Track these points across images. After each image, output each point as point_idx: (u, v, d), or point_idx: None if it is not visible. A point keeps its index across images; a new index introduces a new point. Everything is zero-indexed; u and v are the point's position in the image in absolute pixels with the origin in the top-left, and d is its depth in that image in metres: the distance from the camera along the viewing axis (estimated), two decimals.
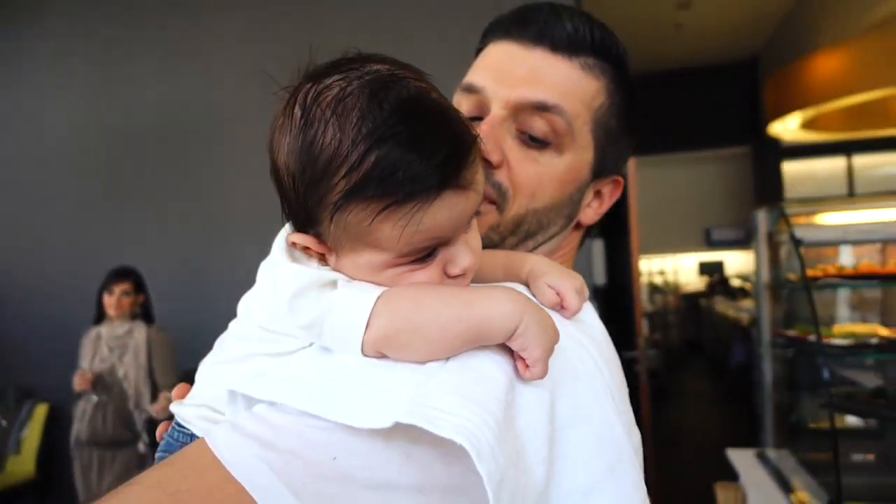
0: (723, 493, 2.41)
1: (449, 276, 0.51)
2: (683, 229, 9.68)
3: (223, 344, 0.59)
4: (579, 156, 0.68)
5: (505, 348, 0.48)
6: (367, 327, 0.46)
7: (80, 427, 2.95)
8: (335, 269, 0.51)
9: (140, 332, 3.03)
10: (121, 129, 3.95)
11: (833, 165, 8.27)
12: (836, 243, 2.21)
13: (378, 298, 0.47)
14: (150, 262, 3.43)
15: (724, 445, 2.74)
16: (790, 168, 8.18)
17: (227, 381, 0.51)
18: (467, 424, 0.41)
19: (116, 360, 2.98)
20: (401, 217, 0.45)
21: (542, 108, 0.65)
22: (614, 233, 4.10)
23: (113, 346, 3.01)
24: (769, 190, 8.00)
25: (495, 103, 0.66)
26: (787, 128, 6.49)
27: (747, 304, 6.81)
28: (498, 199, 0.66)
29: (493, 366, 0.47)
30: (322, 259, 0.52)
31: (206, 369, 0.59)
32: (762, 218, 2.39)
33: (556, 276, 0.57)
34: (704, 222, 9.56)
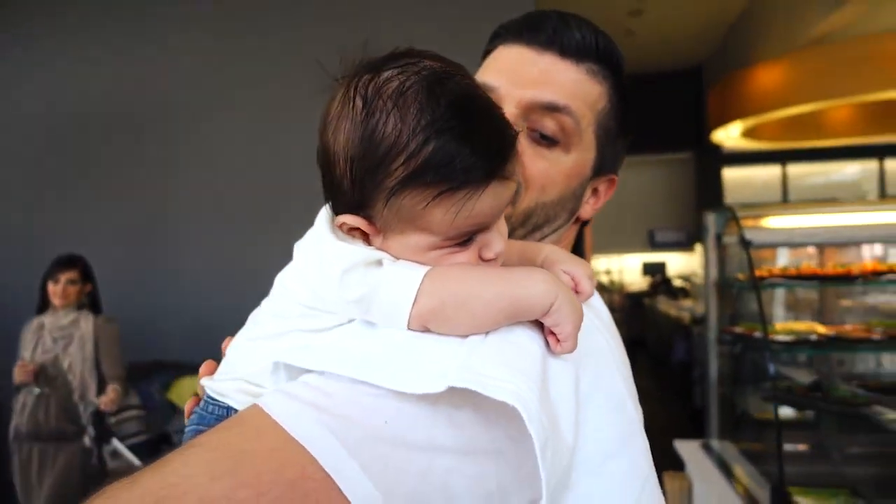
0: (670, 483, 2.52)
1: (483, 260, 0.54)
2: (629, 231, 9.96)
3: (256, 320, 0.61)
4: (583, 154, 0.73)
5: (536, 325, 0.52)
6: (414, 302, 0.49)
7: (19, 421, 2.83)
8: (381, 249, 0.54)
9: (87, 321, 2.93)
10: (67, 116, 3.80)
11: (769, 173, 8.69)
12: (782, 245, 2.34)
13: (425, 276, 0.50)
14: (97, 252, 3.31)
15: (668, 438, 2.85)
16: (730, 174, 8.56)
17: (270, 354, 0.53)
18: (516, 389, 0.45)
19: (60, 351, 2.87)
20: (453, 203, 0.49)
21: (552, 108, 0.70)
22: None
23: (57, 337, 2.89)
24: (710, 195, 8.34)
25: (508, 103, 0.70)
26: (728, 135, 6.78)
27: (688, 303, 7.08)
28: None
29: (528, 340, 0.51)
30: (365, 239, 0.55)
31: (240, 345, 0.61)
32: (711, 220, 2.50)
33: (571, 264, 0.62)
34: (649, 224, 9.88)
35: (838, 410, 2.04)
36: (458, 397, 0.45)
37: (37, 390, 2.81)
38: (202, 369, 0.65)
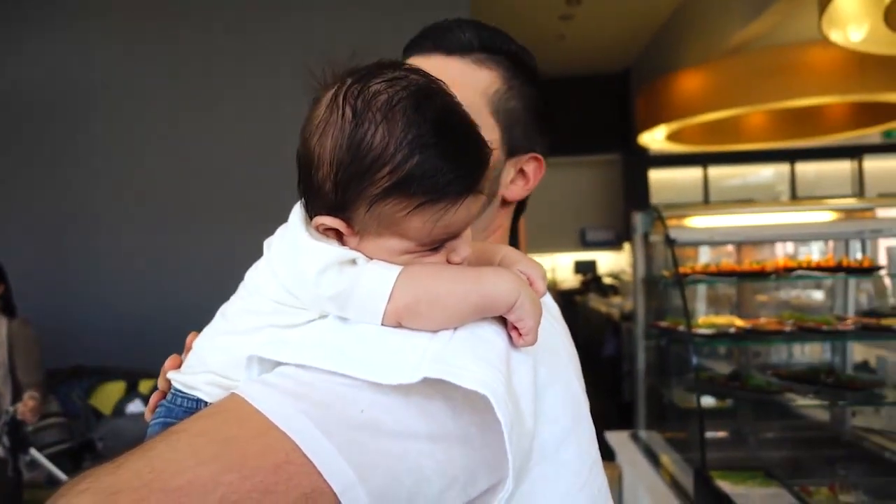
0: None
1: (450, 263, 0.59)
2: (561, 230, 10.20)
3: (226, 316, 0.63)
4: (486, 137, 0.75)
5: (500, 321, 0.56)
6: (390, 298, 0.52)
7: None
8: (355, 249, 0.57)
9: (1, 323, 2.76)
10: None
11: (692, 175, 9.10)
12: (704, 244, 2.47)
13: (400, 274, 0.53)
14: (9, 251, 3.13)
15: (598, 429, 2.95)
16: (655, 175, 8.92)
17: (240, 349, 0.56)
18: (485, 378, 0.49)
19: None
20: (432, 213, 0.54)
21: None
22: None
23: None
24: (637, 195, 8.66)
25: None
26: (654, 138, 7.06)
27: (617, 300, 7.32)
28: None
29: (494, 334, 0.55)
30: (339, 239, 0.58)
31: (210, 339, 0.64)
32: (639, 220, 2.61)
33: (526, 264, 0.66)
34: (580, 223, 10.14)
35: (754, 398, 2.17)
36: (429, 388, 0.49)
37: None
38: (167, 363, 0.67)
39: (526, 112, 0.79)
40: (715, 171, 9.10)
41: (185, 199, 3.59)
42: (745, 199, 8.76)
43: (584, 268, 9.89)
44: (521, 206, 0.87)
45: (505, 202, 0.81)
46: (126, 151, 3.61)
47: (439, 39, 0.78)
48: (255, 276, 0.62)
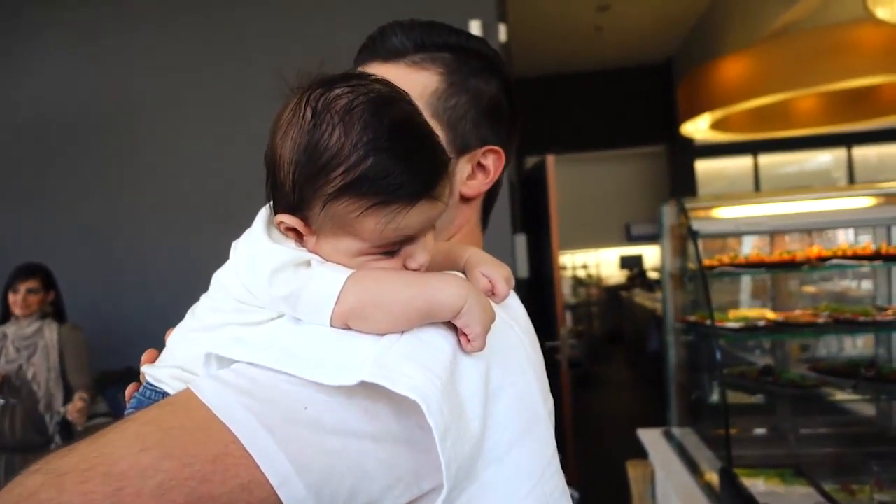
0: (633, 471, 2.56)
1: (407, 269, 0.60)
2: (605, 225, 10.05)
3: (195, 314, 0.66)
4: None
5: (450, 326, 0.57)
6: (337, 301, 0.54)
7: None
8: (313, 251, 0.59)
9: (51, 330, 2.92)
10: (27, 122, 3.76)
11: (741, 164, 8.81)
12: (729, 235, 2.40)
13: (348, 278, 0.55)
14: (62, 259, 3.30)
15: (638, 425, 2.90)
16: (702, 166, 8.66)
17: (204, 345, 0.58)
18: (419, 384, 0.50)
19: (25, 361, 2.86)
20: (384, 215, 0.55)
21: None
22: (537, 228, 4.24)
23: (21, 346, 2.88)
24: (683, 187, 8.43)
25: None
26: (697, 128, 6.86)
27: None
28: None
29: (440, 338, 0.56)
30: (300, 239, 0.60)
31: (179, 336, 0.67)
32: (668, 212, 2.55)
33: (489, 267, 0.67)
34: (625, 218, 9.96)
35: (786, 393, 2.09)
36: (374, 390, 0.50)
37: (1, 401, 2.79)
38: (144, 357, 0.70)
39: (473, 105, 0.78)
40: (766, 160, 8.78)
41: (224, 208, 3.70)
42: (799, 187, 8.40)
43: (630, 263, 9.71)
44: (490, 198, 0.86)
45: (465, 199, 0.80)
46: (170, 164, 3.75)
47: (373, 47, 0.79)
48: (221, 276, 0.65)
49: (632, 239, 9.83)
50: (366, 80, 0.58)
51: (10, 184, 3.75)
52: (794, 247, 2.51)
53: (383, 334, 0.54)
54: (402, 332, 0.55)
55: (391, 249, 0.58)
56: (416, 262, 0.60)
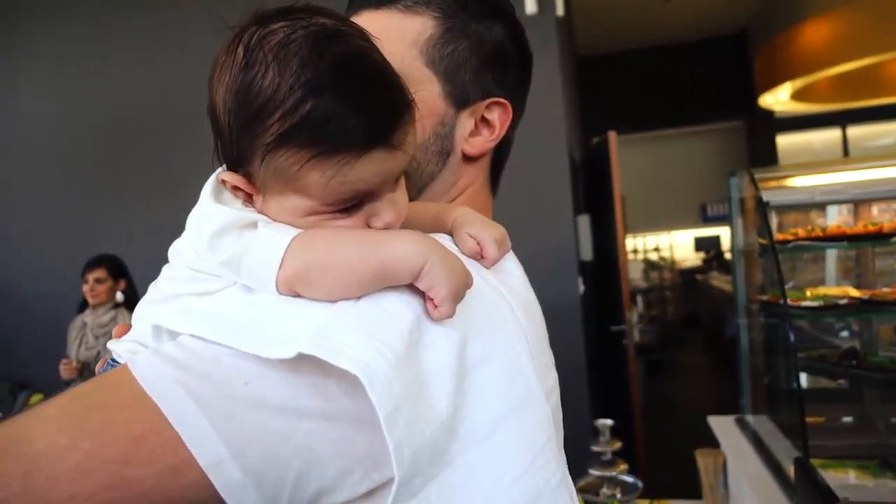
0: (702, 460, 2.42)
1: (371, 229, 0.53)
2: (679, 206, 9.67)
3: (155, 285, 0.63)
4: (421, 92, 0.67)
5: (417, 291, 0.50)
6: (280, 265, 0.48)
7: None
8: (260, 211, 0.53)
9: (125, 318, 3.05)
10: (102, 122, 3.95)
11: (828, 137, 8.23)
12: (805, 206, 2.21)
13: (293, 238, 0.49)
14: (133, 253, 3.44)
15: (713, 413, 2.75)
16: (784, 141, 8.14)
17: (153, 317, 0.54)
18: (363, 356, 0.44)
19: (102, 348, 3.00)
20: (329, 167, 0.48)
21: None
22: (601, 209, 4.10)
23: (99, 334, 3.03)
24: (764, 163, 7.96)
25: None
26: (777, 99, 6.46)
27: None
28: None
29: (402, 305, 0.49)
30: (249, 200, 0.54)
31: (140, 309, 0.63)
32: (737, 184, 2.38)
33: (478, 227, 0.60)
34: (700, 198, 9.54)
35: (873, 378, 1.91)
36: (324, 363, 0.44)
37: None
38: (114, 331, 0.67)
39: (473, 52, 0.69)
40: (856, 132, 8.16)
41: None
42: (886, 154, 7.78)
43: (706, 244, 9.30)
44: (498, 158, 0.77)
45: (469, 158, 0.73)
46: None
47: None
48: (177, 244, 0.60)
49: (707, 220, 9.41)
50: (308, 14, 0.50)
51: (89, 186, 3.95)
52: (882, 218, 2.28)
53: (335, 301, 0.48)
54: (358, 299, 0.48)
55: (346, 206, 0.51)
56: (381, 220, 0.53)
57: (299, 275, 0.48)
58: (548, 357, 0.63)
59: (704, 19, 7.70)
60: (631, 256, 8.92)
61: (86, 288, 3.02)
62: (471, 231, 0.59)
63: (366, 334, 0.46)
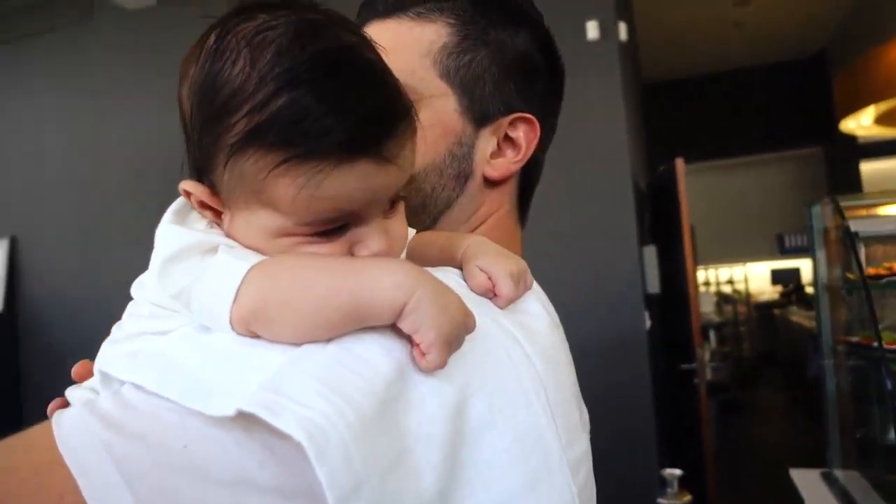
0: None
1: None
2: (754, 237, 9.25)
3: (119, 325, 0.54)
4: (435, 107, 0.59)
5: (402, 335, 0.40)
6: (235, 298, 0.40)
7: None
8: (228, 233, 0.45)
9: None
10: (176, 150, 4.08)
11: None
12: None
13: (252, 266, 0.40)
14: None
15: (794, 463, 2.53)
16: (869, 168, 7.66)
17: (102, 361, 0.47)
18: (315, 416, 0.35)
19: None
20: (299, 175, 0.40)
21: None
22: (669, 240, 3.91)
23: None
24: (846, 191, 7.50)
25: None
26: (860, 124, 6.09)
27: None
28: None
29: (380, 351, 0.40)
30: (218, 219, 0.46)
31: (101, 351, 0.55)
32: (819, 213, 2.19)
33: (491, 259, 0.49)
34: (776, 228, 9.08)
35: None
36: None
37: None
38: (73, 372, 0.58)
39: (494, 62, 0.61)
40: None
41: None
42: None
43: (784, 277, 8.80)
44: (526, 181, 0.68)
45: (491, 182, 0.63)
46: None
47: (373, 2, 0.64)
48: (143, 275, 0.52)
49: (785, 252, 8.91)
50: (296, 7, 0.43)
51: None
52: None
53: (299, 344, 0.39)
54: (328, 342, 0.39)
55: (326, 229, 0.42)
56: (367, 248, 0.43)
57: (256, 311, 0.39)
58: (577, 418, 0.52)
59: (778, 42, 7.41)
60: (702, 289, 8.54)
61: None
62: (481, 263, 0.49)
63: (325, 387, 0.36)
